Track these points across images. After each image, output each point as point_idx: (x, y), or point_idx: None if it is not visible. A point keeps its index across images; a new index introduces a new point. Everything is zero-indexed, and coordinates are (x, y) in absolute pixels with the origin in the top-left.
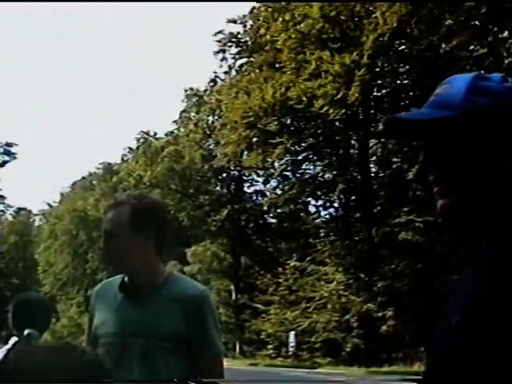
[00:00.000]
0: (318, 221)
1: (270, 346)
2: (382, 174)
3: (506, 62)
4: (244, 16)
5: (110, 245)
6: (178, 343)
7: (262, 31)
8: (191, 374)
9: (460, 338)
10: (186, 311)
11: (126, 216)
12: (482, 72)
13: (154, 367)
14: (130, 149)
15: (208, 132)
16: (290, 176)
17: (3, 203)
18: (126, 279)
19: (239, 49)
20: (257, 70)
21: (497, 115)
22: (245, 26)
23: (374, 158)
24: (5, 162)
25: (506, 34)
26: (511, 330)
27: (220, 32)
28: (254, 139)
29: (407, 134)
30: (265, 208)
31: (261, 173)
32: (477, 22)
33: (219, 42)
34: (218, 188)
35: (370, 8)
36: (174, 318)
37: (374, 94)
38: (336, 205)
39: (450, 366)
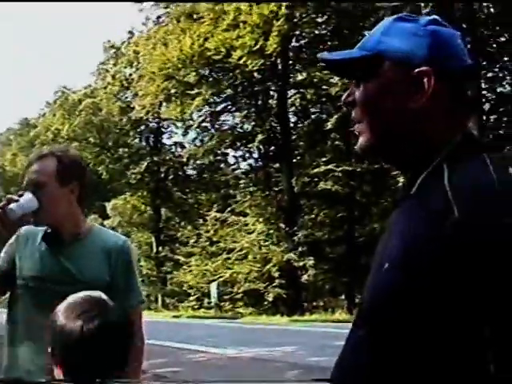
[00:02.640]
0: (237, 172)
1: (192, 298)
2: (300, 125)
3: (423, 12)
4: None
5: (35, 196)
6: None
7: None
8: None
9: (388, 284)
10: (109, 260)
11: (53, 167)
12: (412, 14)
13: None
14: (48, 103)
15: (126, 84)
16: (209, 127)
17: None
18: (50, 230)
19: None
20: (174, 21)
21: (405, 56)
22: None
23: (293, 108)
24: None
25: None
26: (436, 282)
27: None
28: (172, 91)
29: (339, 72)
30: (184, 160)
31: (179, 124)
32: None
33: None
34: (136, 140)
35: None
36: (96, 266)
37: (293, 44)
38: (255, 155)
39: (380, 312)
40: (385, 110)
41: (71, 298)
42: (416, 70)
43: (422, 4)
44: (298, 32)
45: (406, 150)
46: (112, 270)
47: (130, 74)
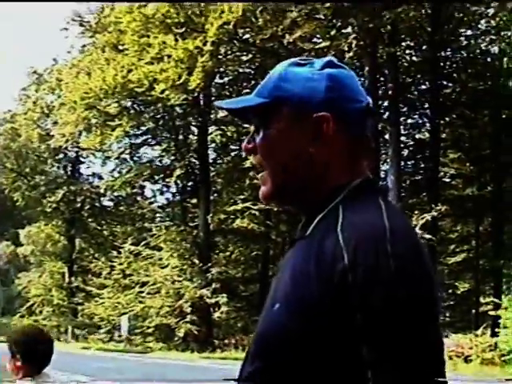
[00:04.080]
0: (154, 205)
1: (102, 330)
2: (220, 161)
3: (347, 56)
4: None
5: None
6: None
7: (107, 12)
8: None
9: (278, 323)
10: None
11: None
12: (306, 58)
13: None
14: None
15: (46, 111)
16: (128, 159)
17: None
18: None
19: (82, 28)
20: (99, 51)
21: (303, 101)
22: (89, 6)
23: (213, 144)
24: None
25: (349, 29)
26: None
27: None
28: (93, 120)
29: (241, 118)
30: (101, 190)
31: (98, 155)
32: (321, 16)
33: (63, 20)
34: (54, 168)
35: None
36: None
37: (216, 80)
38: (173, 190)
39: (270, 348)
40: (284, 156)
41: None
42: (314, 116)
43: (346, 48)
44: (222, 69)
45: (305, 194)
46: None
47: (52, 102)
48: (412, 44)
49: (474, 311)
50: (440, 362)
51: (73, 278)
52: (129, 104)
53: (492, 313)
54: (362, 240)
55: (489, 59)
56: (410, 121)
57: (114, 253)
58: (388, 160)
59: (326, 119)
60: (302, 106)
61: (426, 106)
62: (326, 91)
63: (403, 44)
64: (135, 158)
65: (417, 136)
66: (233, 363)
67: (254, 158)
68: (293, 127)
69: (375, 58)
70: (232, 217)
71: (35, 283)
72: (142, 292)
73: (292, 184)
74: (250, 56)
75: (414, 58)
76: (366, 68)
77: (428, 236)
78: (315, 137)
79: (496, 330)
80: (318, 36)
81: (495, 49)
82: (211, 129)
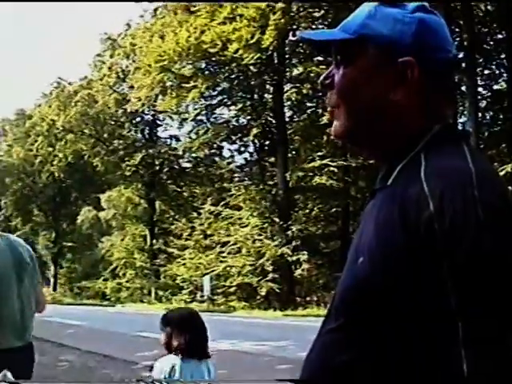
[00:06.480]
0: (232, 165)
1: (185, 291)
2: (296, 119)
3: None
4: None
5: None
6: None
7: None
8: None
9: (363, 277)
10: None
11: None
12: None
13: None
14: (44, 94)
15: (122, 76)
16: (205, 120)
17: None
18: None
19: None
20: (171, 14)
21: (389, 43)
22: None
23: (289, 102)
24: None
25: None
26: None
27: None
28: (168, 83)
29: (322, 51)
30: (179, 152)
31: (175, 117)
32: None
33: None
34: (132, 132)
35: None
36: None
37: (289, 38)
38: (250, 149)
39: (355, 304)
40: (363, 97)
41: None
42: (400, 60)
43: None
44: (294, 26)
45: (382, 140)
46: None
47: (127, 66)
48: None
49: None
50: None
51: (154, 241)
52: (203, 65)
53: None
54: (448, 186)
55: None
56: (486, 72)
57: (194, 214)
58: (465, 112)
59: (411, 66)
60: (388, 48)
61: (503, 56)
62: (414, 36)
63: None
64: (212, 119)
65: (494, 87)
66: (315, 320)
67: (329, 95)
68: (376, 69)
69: (449, 8)
70: (310, 174)
71: (117, 247)
72: (223, 252)
73: (367, 126)
74: (323, 12)
75: (489, 8)
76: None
77: (510, 188)
78: (398, 82)
79: None
80: None
81: None
82: (286, 87)
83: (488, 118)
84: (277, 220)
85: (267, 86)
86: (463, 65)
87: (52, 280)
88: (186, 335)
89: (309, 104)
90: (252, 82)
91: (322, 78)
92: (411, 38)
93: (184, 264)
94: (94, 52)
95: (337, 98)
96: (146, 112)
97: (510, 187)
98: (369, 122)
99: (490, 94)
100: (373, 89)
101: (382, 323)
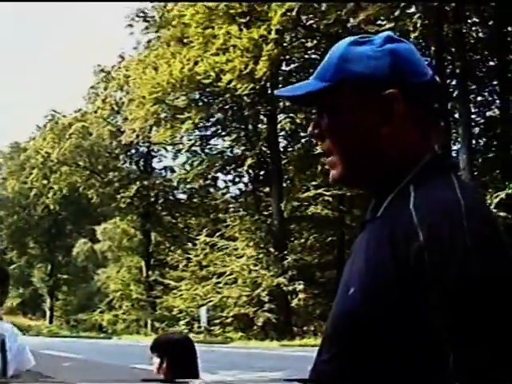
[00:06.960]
0: (227, 196)
1: (181, 322)
2: (290, 149)
3: (412, 36)
4: None
5: None
6: None
7: (170, 6)
8: None
9: (353, 308)
10: None
11: None
12: (364, 35)
13: None
14: (38, 127)
15: (116, 108)
16: (199, 151)
17: None
18: None
19: (147, 24)
20: (164, 45)
21: (368, 81)
22: (152, 1)
23: (283, 132)
24: None
25: (412, 9)
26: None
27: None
28: (162, 114)
29: (303, 104)
30: (174, 184)
31: (169, 148)
32: None
33: (127, 17)
34: (126, 164)
35: None
36: None
37: (283, 68)
38: (245, 180)
39: (346, 334)
40: (354, 139)
41: None
42: (383, 93)
43: (411, 28)
44: (287, 56)
45: (376, 174)
46: None
47: (121, 98)
48: (477, 20)
49: None
50: None
51: (150, 272)
52: (197, 96)
53: None
54: (437, 217)
55: None
56: (479, 98)
57: (190, 245)
58: (459, 139)
59: (395, 97)
60: (368, 85)
61: (495, 82)
62: (390, 68)
63: (469, 21)
64: (206, 150)
65: (487, 113)
66: (312, 350)
67: (321, 144)
68: (360, 108)
69: (441, 36)
70: (305, 203)
71: (113, 278)
72: (219, 283)
73: (363, 166)
74: (315, 42)
75: (481, 35)
76: (432, 48)
77: (503, 214)
78: (386, 116)
79: None
80: (382, 18)
81: None
82: (280, 117)
83: (481, 144)
84: (272, 250)
85: (261, 117)
86: (455, 92)
87: (48, 313)
88: (176, 360)
89: (302, 134)
90: (246, 113)
91: (309, 129)
92: (388, 69)
93: (180, 295)
94: (87, 84)
95: (328, 146)
96: (141, 144)
97: (504, 213)
98: (364, 165)
99: (483, 120)
100: (362, 127)
101: (370, 355)
